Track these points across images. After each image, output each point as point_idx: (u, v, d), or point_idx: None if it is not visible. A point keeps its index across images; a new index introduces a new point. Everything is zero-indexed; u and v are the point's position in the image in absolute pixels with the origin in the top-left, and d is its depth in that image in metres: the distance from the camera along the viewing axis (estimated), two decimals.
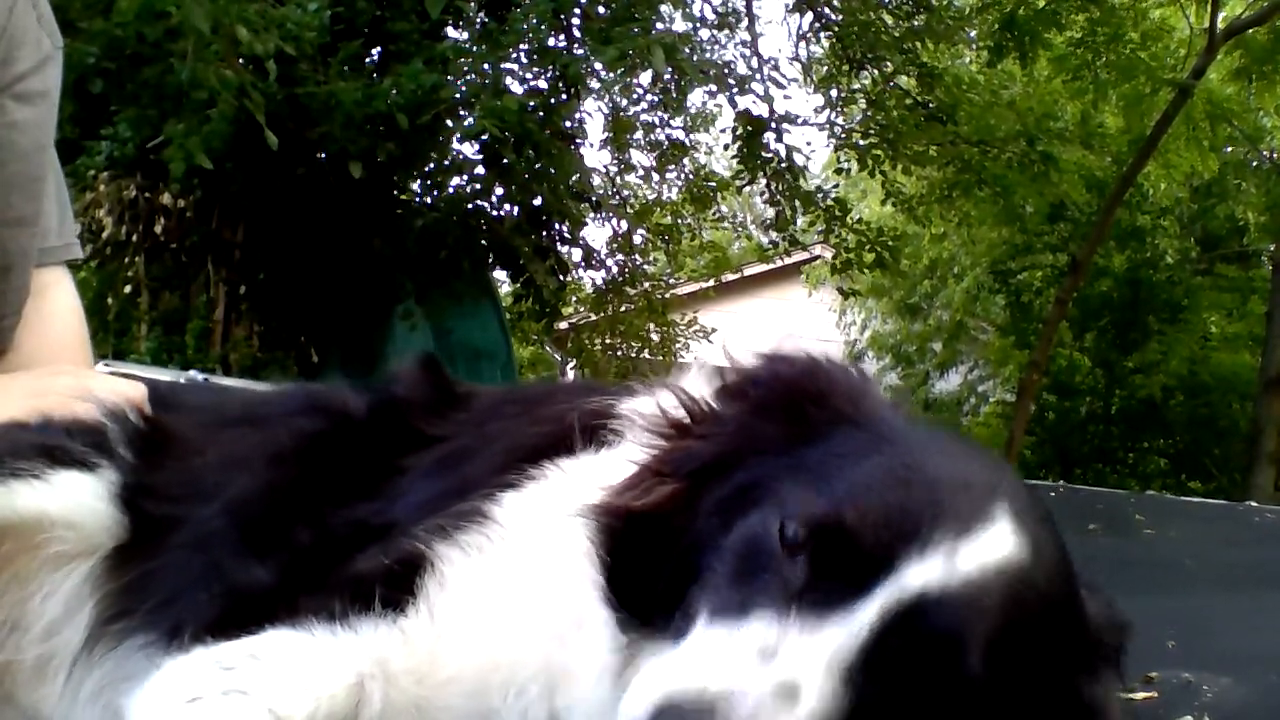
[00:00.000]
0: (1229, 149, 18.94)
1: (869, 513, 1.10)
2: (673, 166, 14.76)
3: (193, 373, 7.76)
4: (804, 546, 1.10)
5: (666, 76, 11.80)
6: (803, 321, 19.21)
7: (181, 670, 1.20)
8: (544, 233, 12.00)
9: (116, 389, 1.77)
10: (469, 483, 1.37)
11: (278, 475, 1.51)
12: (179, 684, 1.17)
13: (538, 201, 11.52)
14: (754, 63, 14.10)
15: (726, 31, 14.40)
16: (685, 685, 1.03)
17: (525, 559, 1.28)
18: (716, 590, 1.13)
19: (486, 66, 10.40)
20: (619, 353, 15.92)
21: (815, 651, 1.04)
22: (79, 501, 1.49)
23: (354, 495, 1.43)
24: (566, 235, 13.05)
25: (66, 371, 2.04)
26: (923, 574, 1.05)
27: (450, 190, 11.80)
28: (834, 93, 15.73)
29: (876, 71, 14.81)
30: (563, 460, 1.36)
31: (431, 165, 11.53)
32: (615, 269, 14.49)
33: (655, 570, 1.20)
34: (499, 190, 11.64)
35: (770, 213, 15.63)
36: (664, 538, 1.21)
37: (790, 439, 1.22)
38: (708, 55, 13.23)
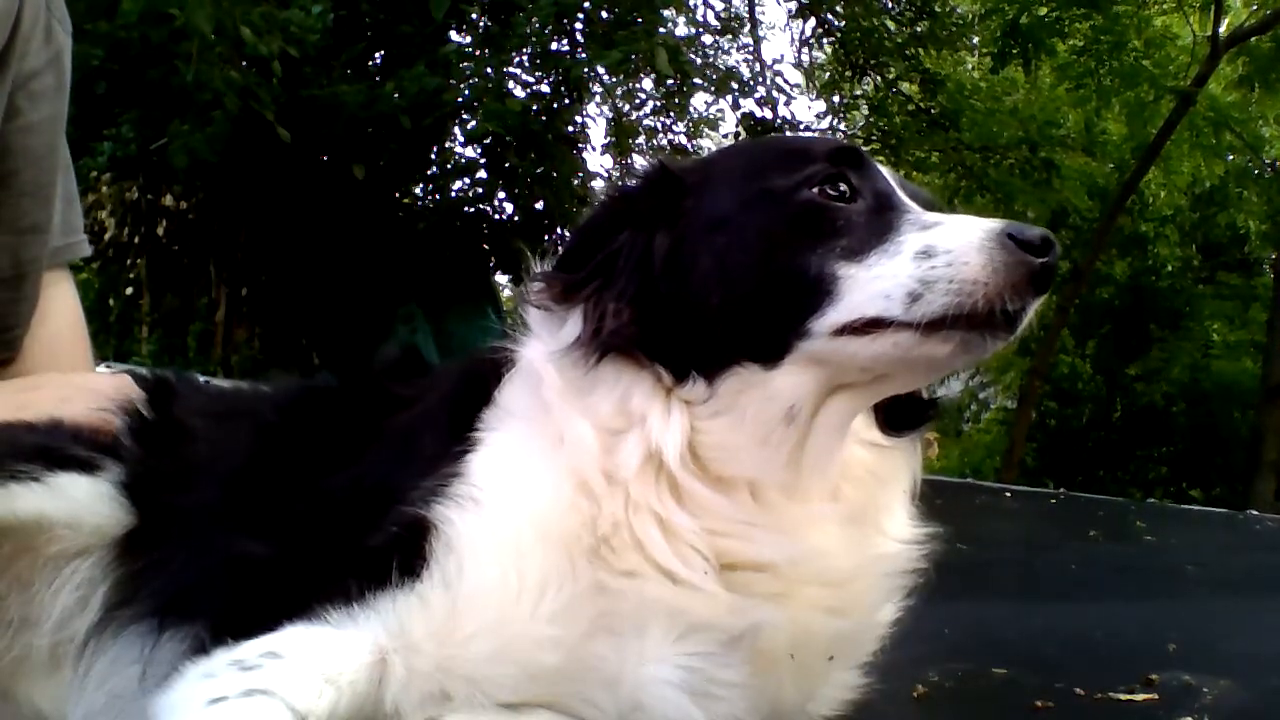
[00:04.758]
0: (1230, 157, 18.96)
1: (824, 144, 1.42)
2: None
3: (194, 375, 7.75)
4: (839, 178, 1.34)
5: (670, 81, 11.82)
6: None
7: (203, 672, 1.20)
8: (546, 236, 11.98)
9: (106, 387, 1.75)
10: (437, 443, 1.41)
11: (264, 445, 1.53)
12: (201, 686, 1.18)
13: (540, 205, 11.53)
14: (756, 67, 14.16)
15: (729, 36, 14.47)
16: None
17: (516, 493, 1.32)
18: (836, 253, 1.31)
19: (489, 70, 10.43)
20: None
21: (967, 224, 1.32)
22: (79, 502, 1.49)
23: (339, 459, 1.45)
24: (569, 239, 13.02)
25: (46, 384, 1.96)
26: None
27: (452, 193, 11.82)
28: (836, 98, 15.82)
29: (879, 77, 14.86)
30: (489, 411, 1.41)
31: (434, 168, 11.56)
32: None
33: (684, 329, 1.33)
34: (501, 193, 11.66)
35: None
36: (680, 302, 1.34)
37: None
38: (710, 60, 13.27)
